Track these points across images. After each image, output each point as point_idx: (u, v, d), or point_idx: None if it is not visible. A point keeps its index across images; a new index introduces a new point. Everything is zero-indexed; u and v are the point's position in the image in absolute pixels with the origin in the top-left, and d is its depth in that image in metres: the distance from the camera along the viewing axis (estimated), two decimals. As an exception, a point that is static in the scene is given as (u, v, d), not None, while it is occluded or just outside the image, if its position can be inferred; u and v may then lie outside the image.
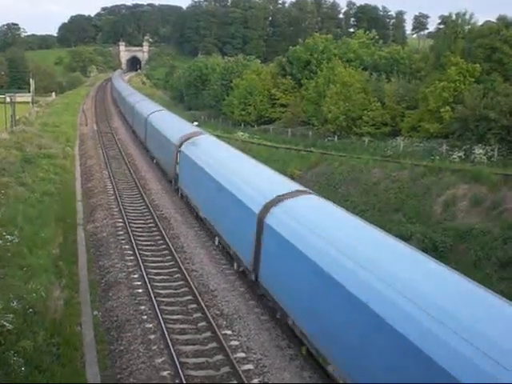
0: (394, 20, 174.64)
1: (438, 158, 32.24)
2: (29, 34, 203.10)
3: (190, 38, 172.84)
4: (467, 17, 42.48)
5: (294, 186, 16.24)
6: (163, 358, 12.41)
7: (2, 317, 11.32)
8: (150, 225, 22.59)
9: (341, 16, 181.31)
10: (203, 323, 14.20)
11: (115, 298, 15.75)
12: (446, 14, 46.70)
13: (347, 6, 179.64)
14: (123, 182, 30.41)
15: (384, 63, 51.75)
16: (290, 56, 60.54)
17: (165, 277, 17.27)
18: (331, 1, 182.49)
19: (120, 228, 21.95)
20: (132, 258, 18.68)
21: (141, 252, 19.07)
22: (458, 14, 42.53)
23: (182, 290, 16.28)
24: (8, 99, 55.26)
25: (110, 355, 12.79)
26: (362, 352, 9.82)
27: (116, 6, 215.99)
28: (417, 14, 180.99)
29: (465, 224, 25.50)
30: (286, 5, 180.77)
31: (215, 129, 55.45)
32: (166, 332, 13.35)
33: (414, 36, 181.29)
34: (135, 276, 17.15)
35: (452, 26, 42.11)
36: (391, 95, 41.66)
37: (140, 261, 18.11)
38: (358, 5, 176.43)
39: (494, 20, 46.16)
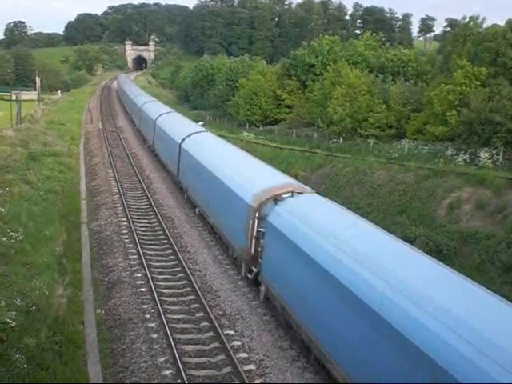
0: (400, 22, 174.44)
1: (442, 161, 32.15)
2: (35, 31, 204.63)
3: (196, 38, 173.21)
4: (479, 21, 42.30)
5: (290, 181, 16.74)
6: (165, 358, 12.42)
7: (5, 314, 11.33)
8: (153, 224, 22.63)
9: (347, 18, 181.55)
10: (206, 323, 14.20)
11: (118, 296, 15.76)
12: (454, 17, 46.54)
13: (354, 8, 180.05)
14: (128, 180, 30.46)
15: (390, 65, 51.66)
16: (293, 58, 60.47)
17: (168, 276, 17.28)
18: (338, 2, 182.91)
19: (124, 227, 21.99)
20: (135, 256, 18.72)
21: (144, 251, 19.09)
22: (469, 18, 42.38)
23: (185, 289, 16.28)
24: (14, 97, 55.35)
25: (112, 354, 12.79)
26: (359, 349, 9.98)
27: (123, 5, 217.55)
28: (423, 16, 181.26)
29: (469, 227, 25.44)
30: (293, 6, 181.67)
31: (220, 129, 55.39)
32: (168, 331, 13.36)
33: (421, 38, 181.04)
34: (138, 275, 17.17)
35: (462, 29, 41.93)
36: (397, 97, 41.62)
37: (143, 260, 18.14)
38: (364, 6, 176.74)
39: (503, 23, 45.98)
